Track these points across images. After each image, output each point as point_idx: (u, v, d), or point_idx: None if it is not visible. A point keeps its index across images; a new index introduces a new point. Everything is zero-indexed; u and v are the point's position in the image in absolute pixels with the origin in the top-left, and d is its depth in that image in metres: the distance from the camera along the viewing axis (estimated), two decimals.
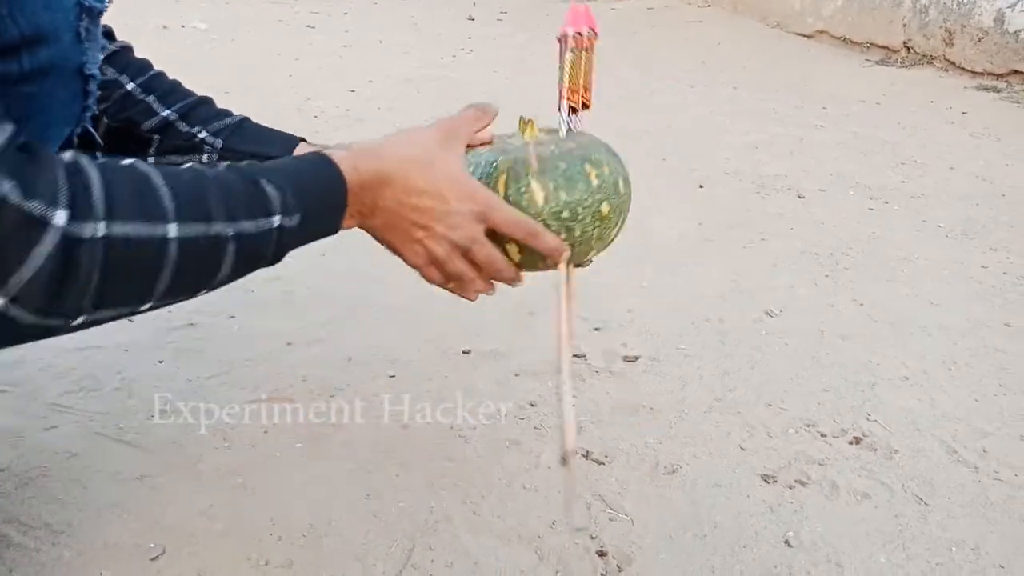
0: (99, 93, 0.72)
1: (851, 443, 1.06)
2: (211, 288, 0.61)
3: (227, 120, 0.87)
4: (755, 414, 1.11)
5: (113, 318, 0.56)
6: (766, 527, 0.91)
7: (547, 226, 0.72)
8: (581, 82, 0.79)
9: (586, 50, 0.79)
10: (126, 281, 0.54)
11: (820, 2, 3.65)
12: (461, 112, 0.73)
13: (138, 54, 0.91)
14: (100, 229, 0.51)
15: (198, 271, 0.58)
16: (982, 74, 3.02)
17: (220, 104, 0.91)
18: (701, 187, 1.95)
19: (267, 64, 2.84)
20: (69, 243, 0.50)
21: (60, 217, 0.49)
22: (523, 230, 0.70)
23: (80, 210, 0.50)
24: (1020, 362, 1.26)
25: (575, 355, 1.21)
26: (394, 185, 0.66)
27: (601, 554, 0.86)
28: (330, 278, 1.42)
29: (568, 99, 0.79)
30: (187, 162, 0.86)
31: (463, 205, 0.68)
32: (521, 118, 0.78)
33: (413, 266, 0.72)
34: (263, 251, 0.61)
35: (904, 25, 3.30)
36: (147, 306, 0.57)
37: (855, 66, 3.26)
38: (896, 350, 1.28)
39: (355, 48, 3.22)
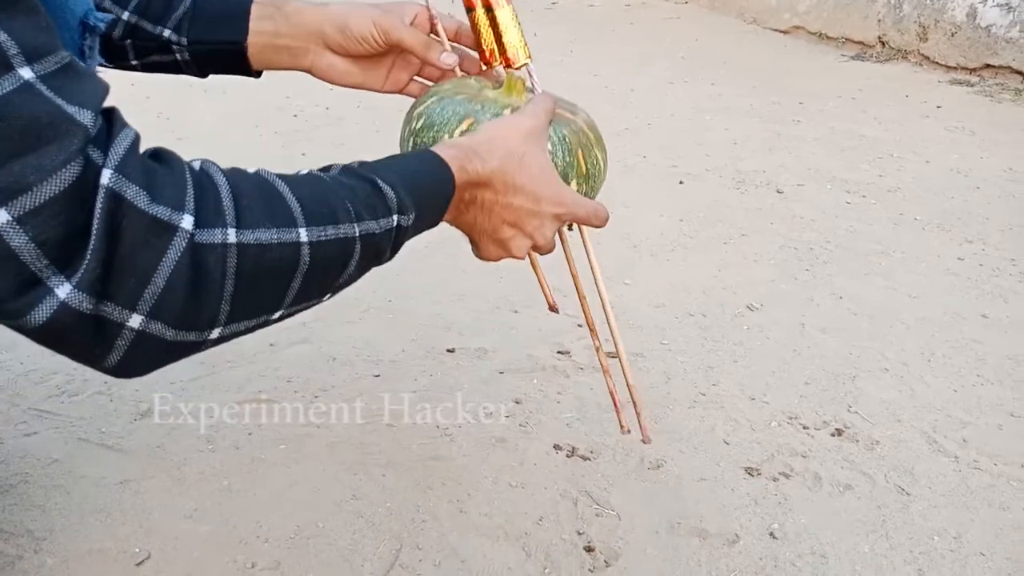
0: None
1: (833, 435, 1.07)
2: (334, 291, 0.61)
3: (182, 6, 0.83)
4: (738, 408, 1.12)
5: (247, 331, 0.55)
6: (751, 520, 0.92)
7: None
8: (499, 42, 0.78)
9: (488, 8, 0.78)
10: (260, 288, 0.53)
11: None
12: (543, 102, 0.73)
13: None
14: (231, 236, 0.51)
15: (327, 273, 0.58)
16: (955, 68, 3.06)
17: None
18: (682, 183, 1.96)
19: None
20: (197, 248, 0.49)
21: (187, 222, 0.49)
22: (590, 216, 0.74)
23: (208, 216, 0.50)
24: (997, 352, 1.28)
25: (559, 351, 1.22)
26: (494, 186, 0.68)
27: (588, 550, 0.87)
28: None
29: (487, 61, 0.79)
30: (166, 65, 0.85)
31: (552, 208, 0.71)
32: (509, 75, 0.77)
33: (482, 255, 0.74)
34: (383, 248, 0.62)
35: (879, 20, 3.34)
36: (278, 315, 0.57)
37: (831, 61, 3.29)
38: (875, 342, 1.30)
39: None
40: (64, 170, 0.44)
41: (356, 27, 0.81)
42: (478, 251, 0.74)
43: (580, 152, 0.76)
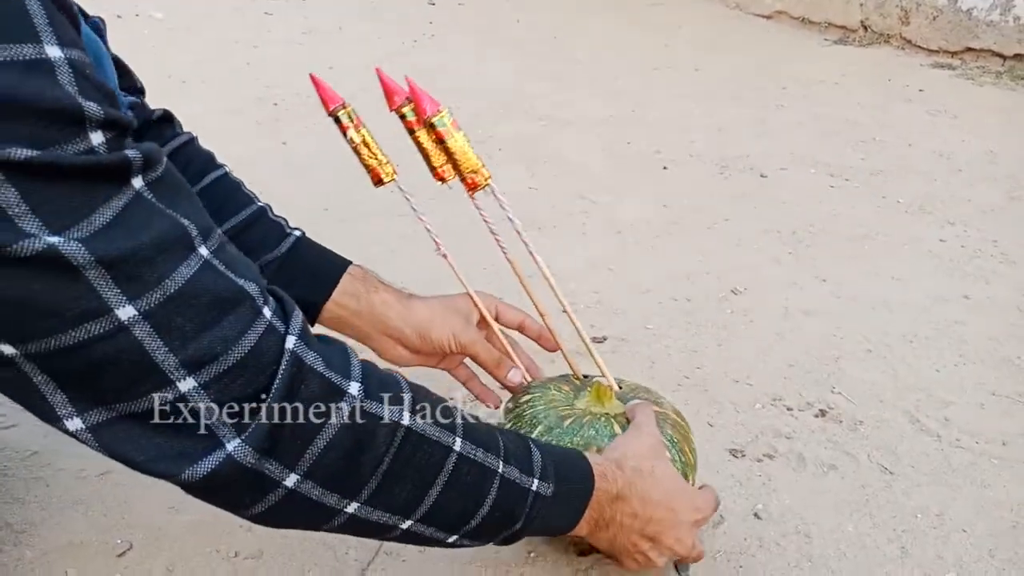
0: None
1: (817, 416, 1.08)
2: (461, 537, 0.61)
3: (277, 250, 0.84)
4: (722, 391, 1.12)
5: (374, 527, 0.57)
6: (735, 501, 0.92)
7: None
8: (456, 168, 0.78)
9: (439, 140, 0.77)
10: (406, 479, 0.56)
11: None
12: (647, 413, 0.78)
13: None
14: (405, 418, 0.55)
15: (463, 498, 0.59)
16: (937, 52, 3.06)
17: (277, 211, 0.88)
18: (665, 169, 1.96)
19: (225, 53, 2.78)
20: (365, 414, 0.53)
21: (354, 388, 0.53)
22: (716, 507, 0.79)
23: (378, 392, 0.54)
24: (979, 333, 1.29)
25: None
26: (631, 502, 0.70)
27: None
28: None
29: (441, 177, 0.81)
30: None
31: (689, 515, 0.74)
32: (595, 385, 0.82)
33: (625, 568, 0.77)
34: (518, 510, 0.63)
35: (861, 4, 3.34)
36: (406, 525, 0.58)
37: (814, 46, 3.29)
38: (859, 324, 1.30)
39: (314, 35, 3.17)
40: (244, 338, 0.47)
41: (436, 337, 0.85)
42: (620, 566, 0.77)
43: (685, 446, 0.80)
